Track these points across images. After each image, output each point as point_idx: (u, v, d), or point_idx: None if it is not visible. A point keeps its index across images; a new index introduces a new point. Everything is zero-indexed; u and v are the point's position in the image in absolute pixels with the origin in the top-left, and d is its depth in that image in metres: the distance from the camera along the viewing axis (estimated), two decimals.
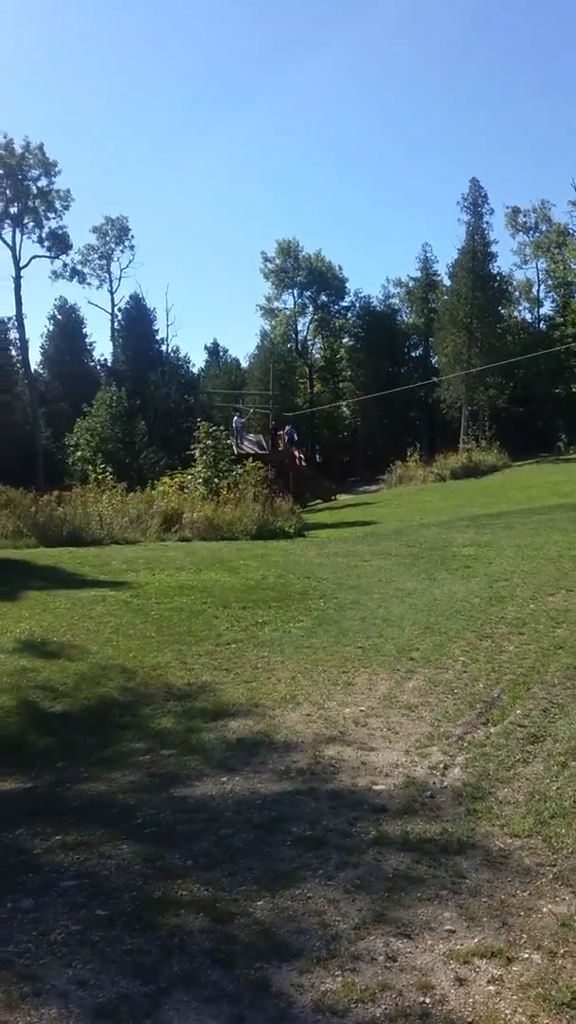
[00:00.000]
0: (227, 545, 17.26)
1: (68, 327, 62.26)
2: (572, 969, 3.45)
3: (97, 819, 5.06)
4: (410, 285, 63.78)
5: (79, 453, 44.44)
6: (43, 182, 54.47)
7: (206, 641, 9.14)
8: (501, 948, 3.61)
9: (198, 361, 71.94)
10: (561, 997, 3.27)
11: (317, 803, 5.19)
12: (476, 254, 50.27)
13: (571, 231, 53.61)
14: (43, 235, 55.83)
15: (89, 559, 14.54)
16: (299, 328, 66.26)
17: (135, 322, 60.37)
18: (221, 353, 75.13)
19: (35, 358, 61.24)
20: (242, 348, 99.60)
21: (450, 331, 51.05)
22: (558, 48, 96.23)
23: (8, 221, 54.19)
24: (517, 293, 58.36)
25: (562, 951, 3.58)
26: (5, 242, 54.36)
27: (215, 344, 75.77)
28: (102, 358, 64.64)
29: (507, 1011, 3.22)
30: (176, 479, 25.28)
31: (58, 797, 5.46)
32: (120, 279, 64.69)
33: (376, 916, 3.89)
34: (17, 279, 54.51)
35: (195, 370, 64.76)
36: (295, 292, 65.17)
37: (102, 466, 25.93)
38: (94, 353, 65.12)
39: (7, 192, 53.64)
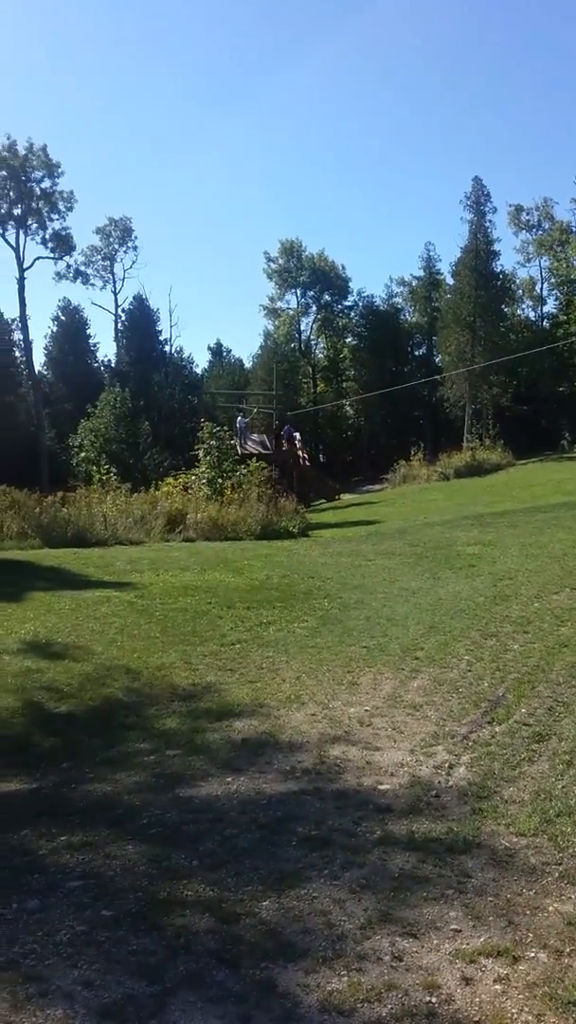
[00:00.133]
0: (231, 545, 17.27)
1: (72, 328, 62.28)
2: None
3: (102, 820, 5.06)
4: (413, 284, 63.69)
5: (83, 454, 44.46)
6: (46, 183, 54.47)
7: (211, 641, 9.14)
8: (507, 947, 3.60)
9: (201, 361, 72.07)
10: (568, 996, 3.26)
11: (322, 803, 5.19)
12: (479, 252, 50.18)
13: (574, 229, 53.52)
14: (46, 236, 55.84)
15: (93, 560, 14.56)
16: (302, 328, 66.24)
17: (139, 323, 60.34)
18: (224, 353, 75.10)
19: (39, 359, 61.35)
20: (245, 348, 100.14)
21: (453, 330, 50.96)
22: (560, 46, 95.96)
23: (12, 222, 54.17)
24: (520, 291, 58.25)
25: (568, 950, 3.58)
26: (9, 243, 54.40)
27: (218, 344, 75.74)
28: (106, 359, 64.71)
29: (514, 1010, 3.22)
30: (180, 480, 25.27)
31: (63, 798, 5.46)
32: (123, 280, 64.90)
33: (382, 916, 3.88)
34: (21, 280, 54.55)
35: (199, 370, 64.87)
36: (298, 292, 65.13)
37: (106, 467, 25.94)
38: (98, 354, 65.17)
39: (11, 194, 53.62)
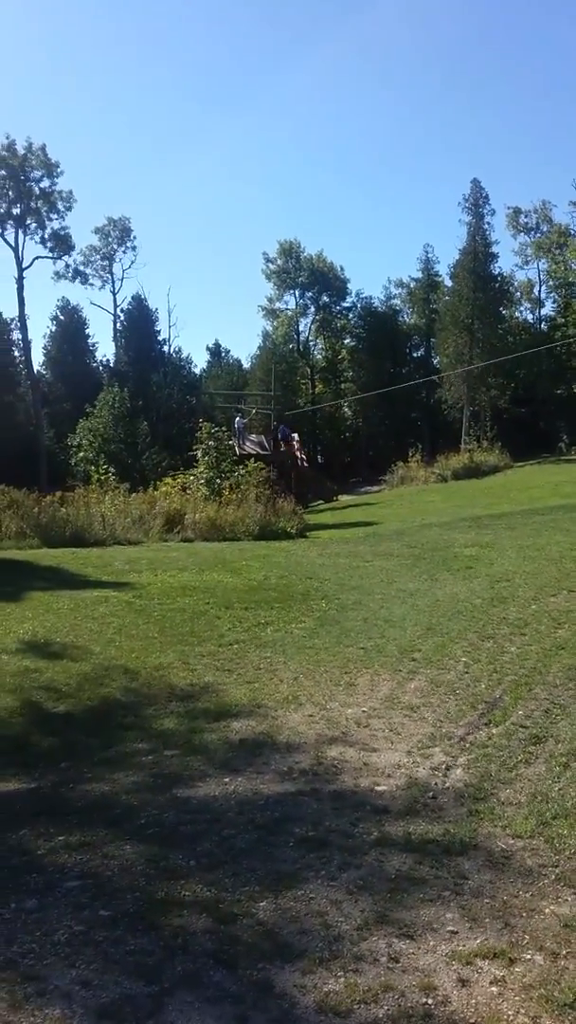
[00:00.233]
0: (229, 546, 17.28)
1: (70, 328, 62.28)
2: (575, 970, 3.46)
3: (100, 820, 5.07)
4: (411, 286, 63.80)
5: (82, 454, 44.44)
6: (45, 183, 54.51)
7: (208, 642, 9.15)
8: (503, 949, 3.62)
9: (200, 362, 71.98)
10: (563, 998, 3.28)
11: (319, 804, 5.20)
12: (477, 255, 50.24)
13: (572, 231, 53.64)
14: (45, 236, 55.89)
15: (92, 560, 14.56)
16: (301, 329, 66.32)
17: (137, 323, 60.34)
18: (223, 354, 75.11)
19: (38, 359, 61.38)
20: (244, 349, 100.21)
21: (451, 332, 51.02)
22: (559, 48, 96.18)
23: (11, 222, 54.21)
24: (518, 294, 58.35)
25: (564, 952, 3.59)
26: (8, 243, 54.45)
27: (217, 345, 75.78)
28: (104, 359, 64.72)
29: (510, 1012, 3.23)
30: (178, 480, 25.28)
31: (61, 798, 5.47)
32: (122, 280, 65.00)
33: (378, 917, 3.90)
34: (20, 280, 54.59)
35: (197, 371, 64.81)
36: (297, 293, 65.24)
37: (105, 467, 25.95)
38: (96, 354, 65.21)
39: (10, 193, 53.64)
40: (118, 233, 64.11)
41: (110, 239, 64.06)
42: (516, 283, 57.83)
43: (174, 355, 60.96)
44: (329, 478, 45.52)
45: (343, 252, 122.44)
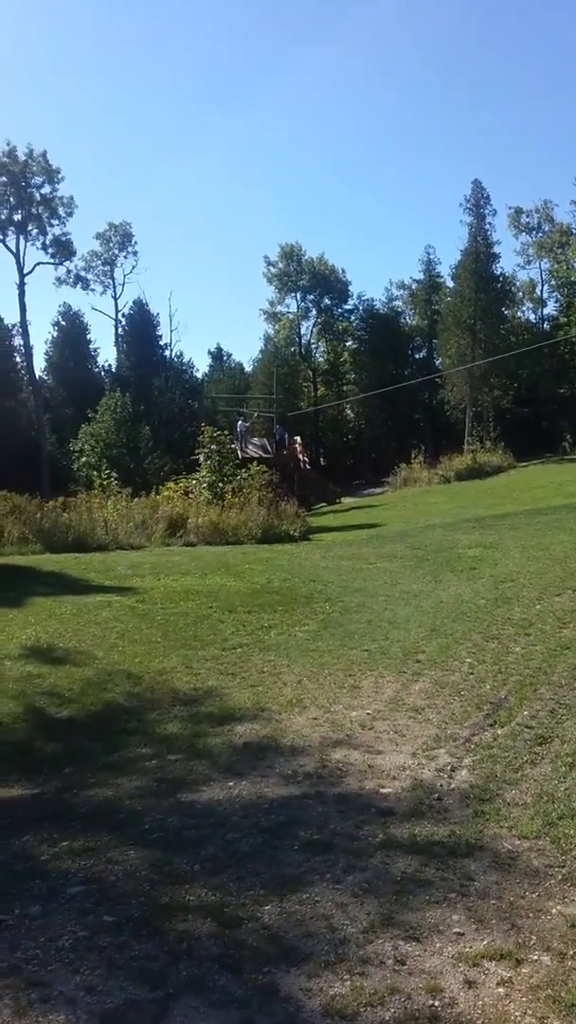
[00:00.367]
0: (232, 549, 17.27)
1: (72, 333, 62.34)
2: None
3: (104, 825, 5.06)
4: (413, 287, 63.76)
5: (84, 459, 44.45)
6: (46, 189, 54.52)
7: (212, 646, 9.14)
8: (510, 950, 3.60)
9: (202, 366, 72.35)
10: (571, 999, 3.26)
11: (324, 807, 5.18)
12: (479, 255, 50.21)
13: (574, 231, 53.57)
14: (47, 242, 55.88)
15: (94, 565, 14.56)
16: (302, 332, 66.30)
17: (139, 328, 60.42)
18: (225, 357, 75.20)
19: (39, 364, 61.36)
20: (245, 352, 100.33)
21: (453, 332, 50.99)
22: (561, 48, 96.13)
23: (12, 228, 54.25)
24: (520, 294, 58.29)
25: (572, 952, 3.57)
26: (9, 249, 54.48)
27: (218, 349, 75.83)
28: (106, 364, 64.77)
29: (517, 1013, 3.21)
30: (181, 484, 25.28)
31: (65, 803, 5.46)
32: (123, 285, 64.88)
33: (384, 919, 3.88)
34: (21, 286, 54.60)
35: (199, 375, 64.93)
36: (298, 296, 65.21)
37: (107, 472, 25.91)
38: (98, 359, 65.20)
39: (11, 199, 53.70)
40: (119, 238, 64.25)
41: (111, 244, 64.20)
42: (518, 283, 57.81)
43: (176, 359, 61.08)
44: (332, 480, 45.45)
45: (344, 254, 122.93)
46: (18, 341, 57.70)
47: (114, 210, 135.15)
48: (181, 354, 66.97)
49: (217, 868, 4.44)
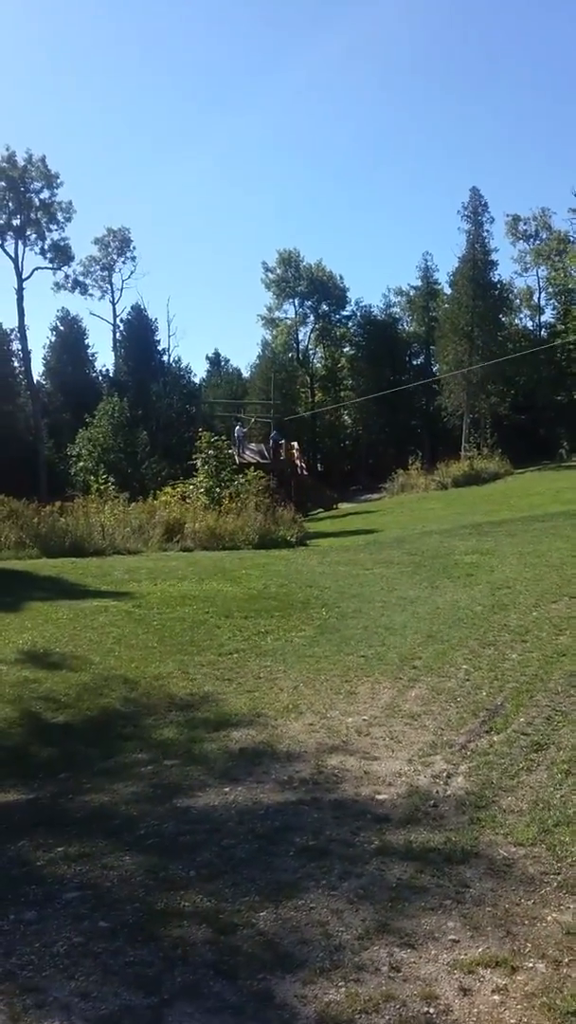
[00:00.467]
0: (229, 555, 17.26)
1: (70, 338, 62.42)
2: None
3: (99, 830, 5.05)
4: (411, 294, 63.96)
5: (81, 463, 44.45)
6: (45, 194, 54.74)
7: (208, 651, 9.13)
8: (505, 957, 3.59)
9: (200, 371, 72.18)
10: (566, 1006, 3.25)
11: (320, 813, 5.18)
12: (477, 262, 50.38)
13: (571, 238, 53.71)
14: (45, 247, 56.10)
15: (91, 569, 14.55)
16: (300, 337, 66.48)
17: (137, 333, 60.49)
18: (222, 363, 75.35)
19: (37, 369, 61.45)
20: (243, 358, 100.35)
21: (451, 339, 51.14)
22: (559, 56, 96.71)
23: (11, 233, 54.42)
24: (518, 301, 58.46)
25: (567, 960, 3.57)
26: (8, 254, 54.64)
27: (216, 354, 76.01)
28: (104, 369, 64.84)
29: (512, 1021, 3.21)
30: (178, 489, 25.30)
31: (60, 808, 5.45)
32: (122, 290, 65.05)
33: (379, 926, 3.87)
34: (20, 290, 54.77)
35: (197, 380, 65.03)
36: (296, 302, 65.39)
37: (104, 476, 25.91)
38: (96, 364, 65.30)
39: (10, 204, 53.87)
40: (117, 243, 64.40)
41: (109, 249, 64.34)
42: (515, 290, 58.02)
43: (174, 364, 61.14)
44: (329, 486, 45.54)
45: (342, 261, 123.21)
46: (16, 345, 57.91)
47: (112, 215, 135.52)
48: (179, 359, 67.06)
49: (213, 874, 4.43)
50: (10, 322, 58.66)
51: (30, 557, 16.91)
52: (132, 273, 65.54)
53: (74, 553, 17.26)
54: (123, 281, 64.79)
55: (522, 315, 59.56)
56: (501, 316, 53.55)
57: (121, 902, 4.17)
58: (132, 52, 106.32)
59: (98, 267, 63.94)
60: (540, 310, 58.07)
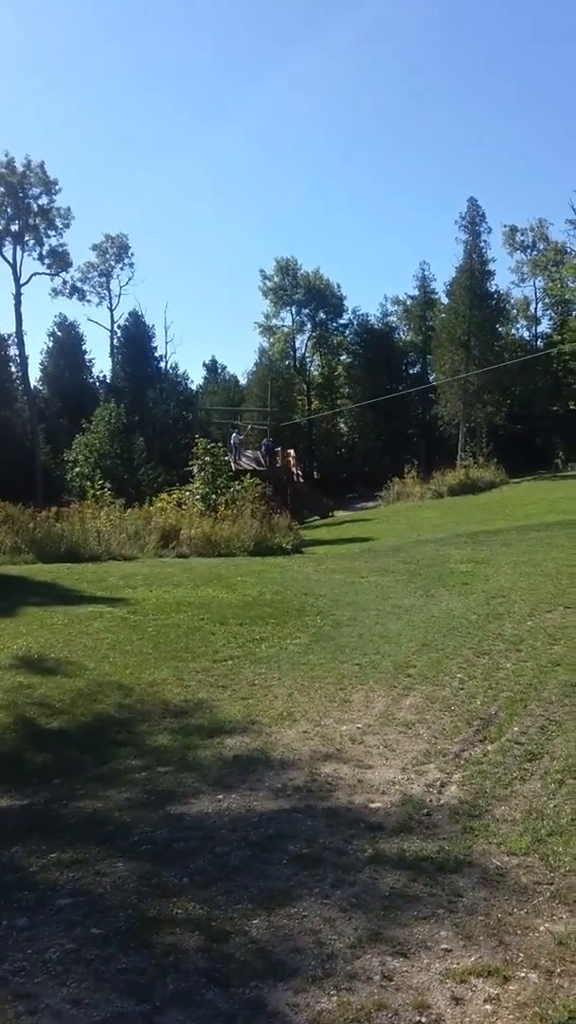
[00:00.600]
0: (224, 561, 17.26)
1: (67, 344, 62.50)
2: (569, 988, 3.44)
3: (93, 836, 5.04)
4: (408, 303, 64.18)
5: (77, 469, 44.44)
6: (43, 200, 54.85)
7: (203, 658, 9.13)
8: (498, 967, 3.60)
9: (196, 378, 72.31)
10: (558, 1016, 3.26)
11: (313, 821, 5.17)
12: (474, 272, 50.58)
13: (568, 249, 53.97)
14: (43, 252, 56.14)
15: (87, 575, 14.54)
16: (297, 345, 66.63)
17: (134, 339, 60.62)
18: (219, 370, 75.43)
19: (35, 374, 61.52)
20: (240, 365, 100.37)
21: (448, 348, 51.33)
22: (557, 67, 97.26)
23: (9, 239, 54.50)
24: (515, 311, 58.70)
25: (559, 970, 3.57)
26: (6, 259, 54.71)
27: (213, 361, 76.09)
28: (101, 375, 64.95)
29: None
30: (174, 495, 25.28)
31: (54, 814, 5.44)
32: (119, 296, 65.20)
33: (372, 935, 3.87)
34: (17, 296, 54.82)
35: (193, 387, 65.16)
36: (293, 310, 65.59)
37: (100, 482, 25.93)
38: (93, 370, 65.40)
39: (8, 210, 53.95)
40: (115, 250, 64.55)
41: (107, 256, 64.49)
42: (512, 300, 58.28)
43: (171, 371, 61.30)
44: (325, 494, 45.56)
45: (340, 270, 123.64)
46: (13, 351, 57.89)
47: (110, 222, 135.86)
48: (176, 366, 67.19)
49: (206, 881, 4.43)
50: (7, 327, 59.05)
51: (25, 562, 16.89)
52: (130, 280, 65.93)
53: (70, 559, 17.25)
54: (121, 287, 65.06)
55: (519, 325, 59.90)
56: (498, 326, 53.84)
57: (114, 909, 4.16)
58: (129, 60, 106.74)
59: (96, 273, 64.15)
60: (537, 321, 58.40)
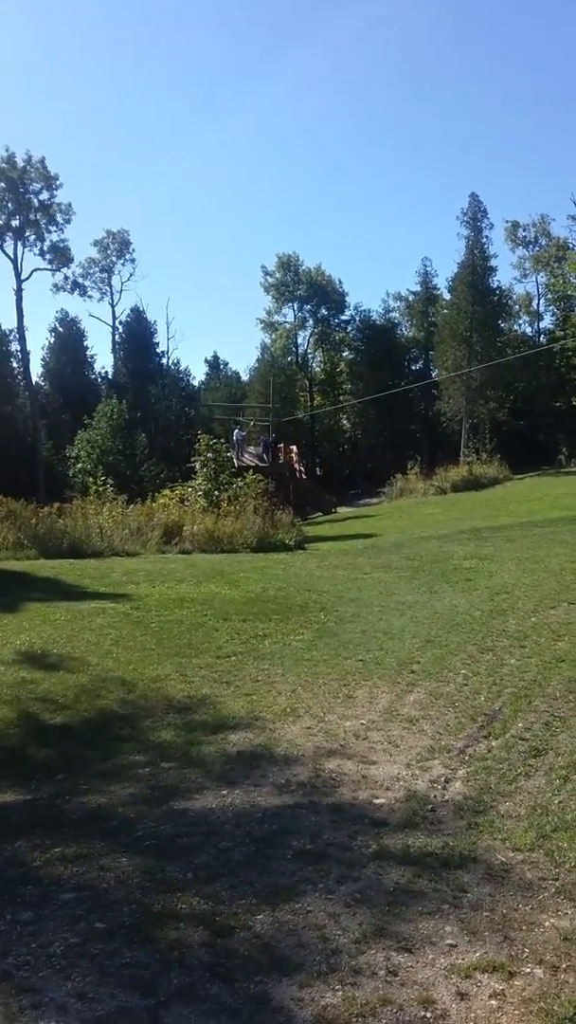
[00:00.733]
0: (227, 558, 17.26)
1: (69, 340, 62.45)
2: (574, 983, 3.43)
3: (97, 832, 5.04)
4: (410, 299, 64.11)
5: (80, 465, 44.47)
6: (44, 195, 54.76)
7: (206, 654, 9.13)
8: (503, 962, 3.59)
9: (199, 374, 72.22)
10: (563, 1012, 3.25)
11: (318, 817, 5.17)
12: (476, 268, 50.50)
13: (571, 245, 53.86)
14: (44, 248, 56.09)
15: (89, 571, 14.54)
16: (299, 341, 66.56)
17: (136, 335, 60.56)
18: (221, 366, 75.33)
19: (36, 370, 61.44)
20: (242, 361, 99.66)
21: (450, 344, 51.26)
22: (558, 61, 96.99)
23: (10, 234, 54.42)
24: (517, 307, 58.62)
25: (564, 965, 3.56)
26: (7, 255, 54.63)
27: (215, 357, 75.99)
28: (103, 370, 64.89)
29: None
30: (176, 491, 25.29)
31: (58, 809, 5.44)
32: (121, 292, 64.99)
33: (377, 930, 3.87)
34: (19, 292, 54.75)
35: (195, 383, 65.12)
36: (295, 306, 65.48)
37: (103, 478, 25.91)
38: (95, 365, 65.33)
39: (9, 205, 53.88)
40: (117, 246, 64.38)
41: (109, 251, 64.30)
42: (515, 296, 58.19)
43: (172, 367, 61.22)
44: (328, 490, 45.55)
45: (342, 265, 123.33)
46: (15, 346, 57.85)
47: (112, 217, 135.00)
48: (178, 362, 66.98)
49: (210, 876, 4.42)
50: (9, 323, 59.07)
51: (28, 558, 16.89)
52: (131, 275, 65.46)
53: (72, 554, 17.25)
54: (122, 283, 64.82)
55: (521, 321, 59.83)
56: (500, 322, 53.75)
57: (118, 903, 4.16)
58: (130, 54, 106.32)
59: (97, 269, 63.94)
60: (539, 316, 58.27)
